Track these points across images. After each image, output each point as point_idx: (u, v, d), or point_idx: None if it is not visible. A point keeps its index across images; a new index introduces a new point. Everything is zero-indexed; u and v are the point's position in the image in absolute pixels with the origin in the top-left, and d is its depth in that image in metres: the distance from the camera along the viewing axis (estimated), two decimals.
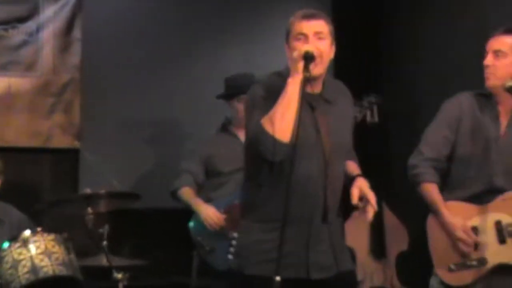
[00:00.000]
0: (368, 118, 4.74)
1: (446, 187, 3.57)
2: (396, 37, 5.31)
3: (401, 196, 5.11)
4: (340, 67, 5.39)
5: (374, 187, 4.97)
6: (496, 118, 3.54)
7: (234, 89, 4.63)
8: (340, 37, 5.42)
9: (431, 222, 3.58)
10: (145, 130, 5.65)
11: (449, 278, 3.48)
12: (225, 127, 4.73)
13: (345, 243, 3.23)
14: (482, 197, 3.48)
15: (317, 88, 3.07)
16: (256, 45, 5.59)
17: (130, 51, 5.59)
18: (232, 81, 4.68)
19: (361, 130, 4.48)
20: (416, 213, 4.90)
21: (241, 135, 4.34)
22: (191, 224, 4.57)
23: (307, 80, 2.95)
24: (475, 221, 3.46)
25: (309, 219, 3.03)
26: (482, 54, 3.58)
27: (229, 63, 5.46)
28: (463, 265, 3.44)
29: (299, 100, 2.88)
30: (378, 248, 5.00)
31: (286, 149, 2.91)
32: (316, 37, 3.00)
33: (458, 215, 3.47)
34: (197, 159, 4.69)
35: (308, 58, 2.91)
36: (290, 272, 2.93)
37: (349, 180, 3.15)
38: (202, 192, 4.70)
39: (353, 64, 5.33)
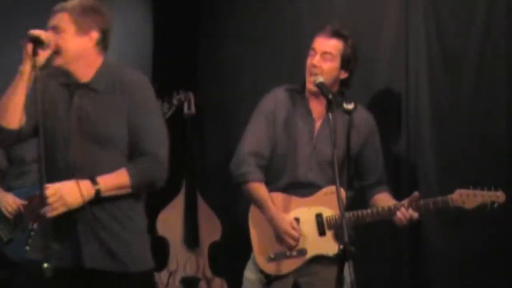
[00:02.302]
0: (185, 110, 4.77)
1: (268, 178, 3.61)
2: (215, 32, 5.36)
3: (215, 187, 5.20)
4: (159, 61, 5.41)
5: (189, 177, 5.06)
6: (309, 114, 3.63)
7: None
8: (160, 32, 5.45)
9: (253, 213, 3.63)
10: None
11: (268, 267, 3.54)
12: None
13: (124, 235, 3.06)
14: (298, 189, 3.57)
15: (84, 77, 3.04)
16: None
17: None
18: None
19: (179, 121, 4.52)
20: (229, 203, 5.02)
21: None
22: None
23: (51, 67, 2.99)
24: (296, 213, 3.55)
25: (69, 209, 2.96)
26: (298, 50, 3.64)
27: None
28: (283, 255, 3.53)
29: (35, 85, 2.87)
30: (191, 238, 5.05)
31: (13, 135, 2.93)
32: (54, 31, 3.00)
33: (279, 206, 3.55)
34: None
35: (33, 41, 2.89)
36: (63, 262, 2.93)
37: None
38: (5, 180, 4.53)
39: (172, 57, 5.34)
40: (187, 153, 5.12)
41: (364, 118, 3.64)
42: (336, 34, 3.56)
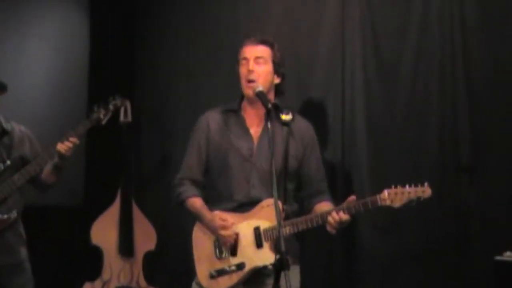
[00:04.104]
0: (121, 118, 4.71)
1: (213, 201, 3.62)
2: (152, 37, 5.34)
3: (151, 195, 5.16)
4: (95, 66, 5.35)
5: (124, 185, 5.00)
6: (246, 132, 3.62)
7: None
8: (97, 36, 5.39)
9: (196, 233, 3.62)
10: None
11: (211, 284, 3.54)
12: None
13: None
14: (244, 207, 3.55)
15: None
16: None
17: None
18: None
19: (114, 128, 4.47)
20: (164, 213, 4.98)
21: None
22: None
23: None
24: (236, 228, 3.52)
25: None
26: (235, 55, 3.65)
27: None
28: (223, 271, 3.52)
29: None
30: (126, 247, 5.00)
31: None
32: None
33: None
34: None
35: None
36: None
37: None
38: None
39: (108, 62, 5.29)
40: (122, 161, 5.06)
41: (303, 128, 3.65)
42: (262, 41, 3.61)
